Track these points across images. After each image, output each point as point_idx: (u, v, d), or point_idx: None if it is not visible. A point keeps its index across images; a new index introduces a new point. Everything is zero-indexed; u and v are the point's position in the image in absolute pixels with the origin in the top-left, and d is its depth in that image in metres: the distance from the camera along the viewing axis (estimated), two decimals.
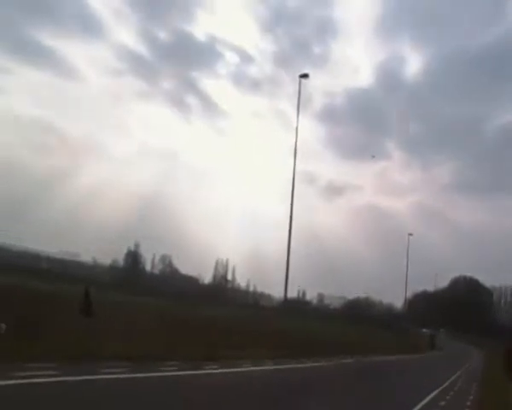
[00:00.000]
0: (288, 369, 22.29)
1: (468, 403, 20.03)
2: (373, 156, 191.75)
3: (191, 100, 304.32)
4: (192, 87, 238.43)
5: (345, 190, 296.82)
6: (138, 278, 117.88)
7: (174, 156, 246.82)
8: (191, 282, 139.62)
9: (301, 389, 16.78)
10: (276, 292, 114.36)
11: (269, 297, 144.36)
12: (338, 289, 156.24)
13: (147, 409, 9.69)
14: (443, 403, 18.29)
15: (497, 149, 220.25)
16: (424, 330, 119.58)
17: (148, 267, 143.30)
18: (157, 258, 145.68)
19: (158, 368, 14.45)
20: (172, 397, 11.34)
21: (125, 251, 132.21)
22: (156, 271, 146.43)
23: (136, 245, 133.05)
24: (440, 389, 23.58)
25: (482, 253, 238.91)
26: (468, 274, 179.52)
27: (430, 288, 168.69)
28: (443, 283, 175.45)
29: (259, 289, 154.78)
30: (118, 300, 42.61)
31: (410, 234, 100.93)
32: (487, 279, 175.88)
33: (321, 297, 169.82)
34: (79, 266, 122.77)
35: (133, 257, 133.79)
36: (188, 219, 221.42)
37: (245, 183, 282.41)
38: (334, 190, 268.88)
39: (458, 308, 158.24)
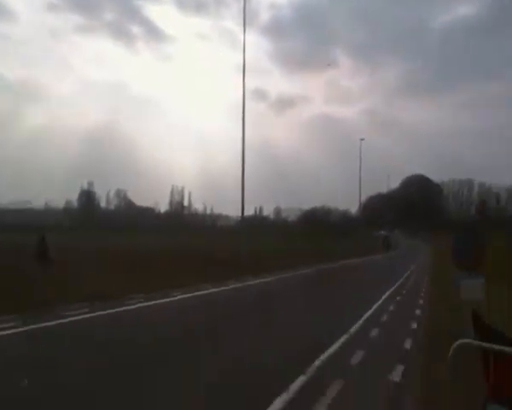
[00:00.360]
0: (250, 285, 22.79)
1: (422, 294, 21.57)
2: (328, 64, 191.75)
3: (136, 29, 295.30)
4: (136, 16, 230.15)
5: (295, 102, 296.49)
6: (93, 216, 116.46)
7: (122, 89, 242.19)
8: (148, 213, 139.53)
9: (267, 300, 17.44)
10: (234, 212, 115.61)
11: (226, 218, 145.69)
12: (294, 202, 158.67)
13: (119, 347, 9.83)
14: (399, 298, 19.58)
15: (442, 47, 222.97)
16: (381, 232, 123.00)
17: (103, 204, 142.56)
18: (111, 193, 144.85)
19: (122, 303, 14.60)
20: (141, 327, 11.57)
21: (78, 191, 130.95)
22: (112, 206, 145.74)
23: (90, 183, 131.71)
24: (396, 285, 24.71)
25: (431, 151, 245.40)
26: (419, 172, 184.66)
27: (384, 190, 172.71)
28: (396, 184, 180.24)
29: (216, 210, 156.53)
30: (74, 241, 42.27)
31: (362, 139, 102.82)
32: (437, 176, 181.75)
33: (278, 211, 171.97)
34: (32, 213, 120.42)
35: (87, 196, 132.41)
36: (140, 151, 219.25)
37: (196, 106, 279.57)
38: (284, 104, 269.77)
39: (411, 207, 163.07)
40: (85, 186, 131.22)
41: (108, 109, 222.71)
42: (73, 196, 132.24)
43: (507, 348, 4.27)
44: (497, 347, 4.22)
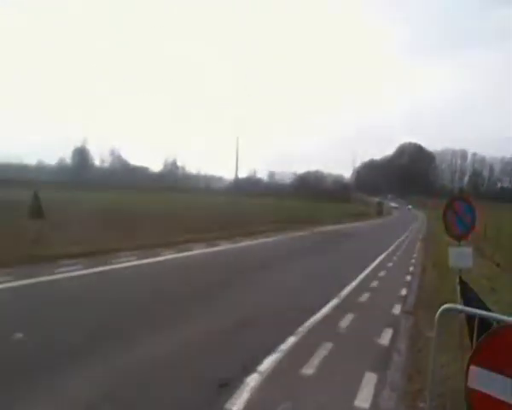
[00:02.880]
0: (243, 246, 22.83)
1: (415, 255, 22.92)
2: None
3: None
4: None
5: None
6: (87, 175, 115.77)
7: None
8: (141, 172, 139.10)
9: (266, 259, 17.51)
10: (227, 174, 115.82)
11: (220, 180, 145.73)
12: (289, 166, 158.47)
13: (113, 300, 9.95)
14: (399, 253, 22.21)
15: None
16: (376, 198, 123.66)
17: (97, 162, 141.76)
18: (106, 152, 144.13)
19: (115, 260, 14.63)
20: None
21: (71, 149, 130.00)
22: (106, 165, 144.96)
23: (84, 141, 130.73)
24: (391, 249, 25.46)
25: (426, 119, 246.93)
26: (413, 141, 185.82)
27: (377, 157, 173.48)
28: (390, 152, 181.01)
29: (210, 172, 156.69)
30: (67, 199, 42.11)
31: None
32: (431, 145, 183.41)
33: (272, 175, 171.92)
34: (24, 169, 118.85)
35: (80, 154, 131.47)
36: (136, 109, 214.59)
37: None
38: None
39: (404, 174, 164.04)
40: (79, 144, 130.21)
41: None
42: (67, 154, 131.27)
43: (490, 314, 4.47)
44: (479, 311, 4.43)
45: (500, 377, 3.62)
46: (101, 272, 12.78)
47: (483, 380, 3.69)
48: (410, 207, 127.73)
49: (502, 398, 3.61)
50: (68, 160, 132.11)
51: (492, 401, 3.64)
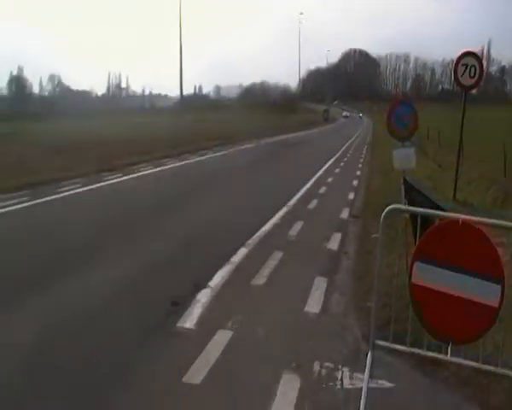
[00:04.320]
0: (196, 162, 22.69)
1: (361, 159, 24.12)
2: None
3: None
4: None
5: None
6: (26, 104, 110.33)
7: None
8: (84, 97, 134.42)
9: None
10: (173, 91, 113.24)
11: (165, 98, 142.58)
12: (235, 79, 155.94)
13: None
14: (346, 159, 23.40)
15: None
16: (320, 105, 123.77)
17: (36, 91, 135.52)
18: (45, 79, 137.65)
19: (59, 190, 14.15)
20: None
21: (7, 78, 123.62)
22: (46, 93, 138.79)
23: (20, 69, 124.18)
24: (338, 154, 25.87)
25: (372, 24, 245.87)
26: (358, 47, 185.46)
27: (323, 65, 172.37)
28: (336, 59, 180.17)
29: (155, 91, 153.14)
30: (5, 131, 40.18)
31: (301, 13, 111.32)
32: (375, 50, 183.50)
33: (218, 89, 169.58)
34: None
35: (17, 82, 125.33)
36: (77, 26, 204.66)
37: None
38: None
39: (350, 80, 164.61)
40: (15, 72, 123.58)
41: None
42: (2, 83, 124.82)
43: (431, 211, 4.54)
44: (420, 210, 4.49)
45: (439, 269, 3.75)
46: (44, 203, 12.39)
47: (424, 274, 3.80)
48: (360, 115, 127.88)
49: (441, 289, 3.76)
50: (4, 90, 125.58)
51: (433, 293, 3.79)
